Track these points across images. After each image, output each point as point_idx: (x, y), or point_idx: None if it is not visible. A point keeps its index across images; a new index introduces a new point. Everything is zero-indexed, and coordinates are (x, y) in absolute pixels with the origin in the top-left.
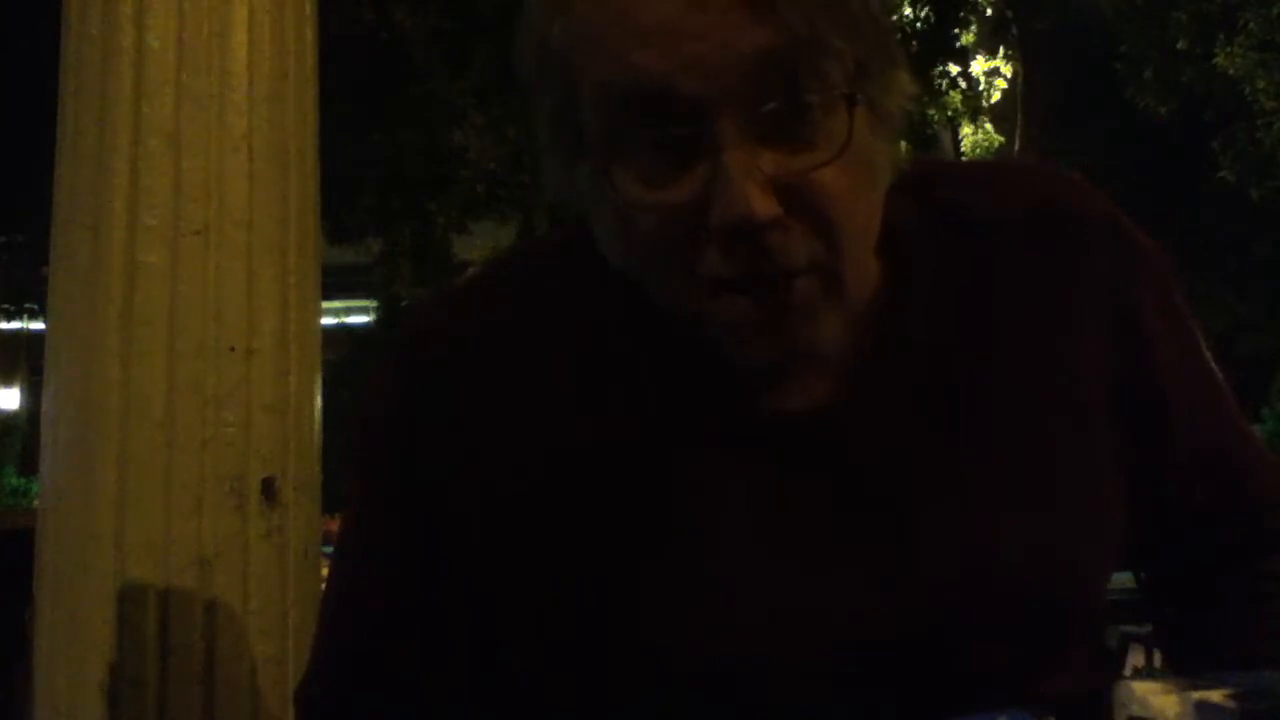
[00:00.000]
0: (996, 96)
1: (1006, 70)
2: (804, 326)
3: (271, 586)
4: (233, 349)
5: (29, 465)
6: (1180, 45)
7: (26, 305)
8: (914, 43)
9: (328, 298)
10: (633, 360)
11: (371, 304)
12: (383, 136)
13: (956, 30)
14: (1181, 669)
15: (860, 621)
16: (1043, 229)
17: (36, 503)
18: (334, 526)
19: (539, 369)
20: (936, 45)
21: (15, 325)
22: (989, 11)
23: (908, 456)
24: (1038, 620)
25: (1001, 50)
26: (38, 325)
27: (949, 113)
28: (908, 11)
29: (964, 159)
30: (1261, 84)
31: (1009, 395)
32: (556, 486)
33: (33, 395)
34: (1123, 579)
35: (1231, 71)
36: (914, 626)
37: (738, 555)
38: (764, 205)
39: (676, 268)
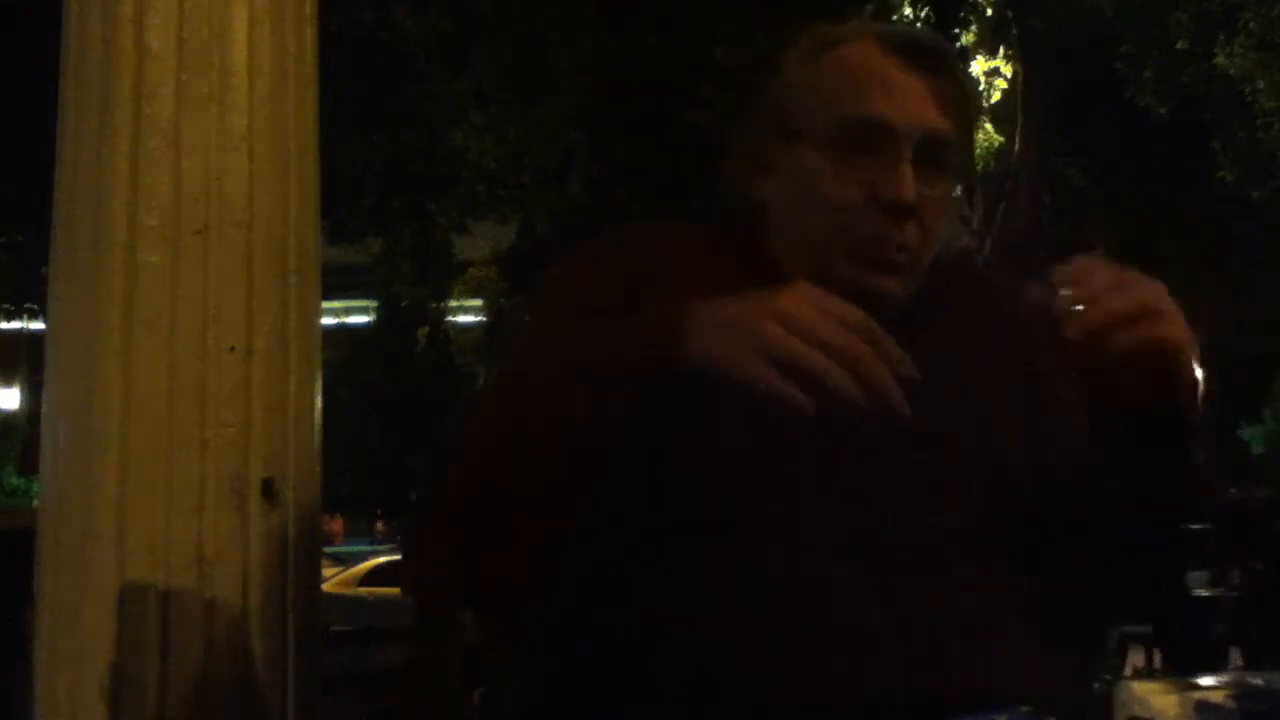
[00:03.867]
0: (996, 96)
1: (1006, 70)
2: (889, 277)
3: (271, 586)
4: (233, 349)
5: (29, 465)
6: (1180, 45)
7: (26, 305)
8: None
9: (328, 298)
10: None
11: (371, 304)
12: (383, 136)
13: (956, 30)
14: (1181, 669)
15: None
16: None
17: (36, 503)
18: (334, 526)
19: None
20: None
21: (15, 325)
22: (989, 11)
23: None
24: (981, 489)
25: (1001, 50)
26: (38, 325)
27: None
28: (908, 11)
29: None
30: (1261, 84)
31: (957, 356)
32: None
33: (33, 395)
34: None
35: (1231, 71)
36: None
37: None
38: (914, 194)
39: (842, 219)
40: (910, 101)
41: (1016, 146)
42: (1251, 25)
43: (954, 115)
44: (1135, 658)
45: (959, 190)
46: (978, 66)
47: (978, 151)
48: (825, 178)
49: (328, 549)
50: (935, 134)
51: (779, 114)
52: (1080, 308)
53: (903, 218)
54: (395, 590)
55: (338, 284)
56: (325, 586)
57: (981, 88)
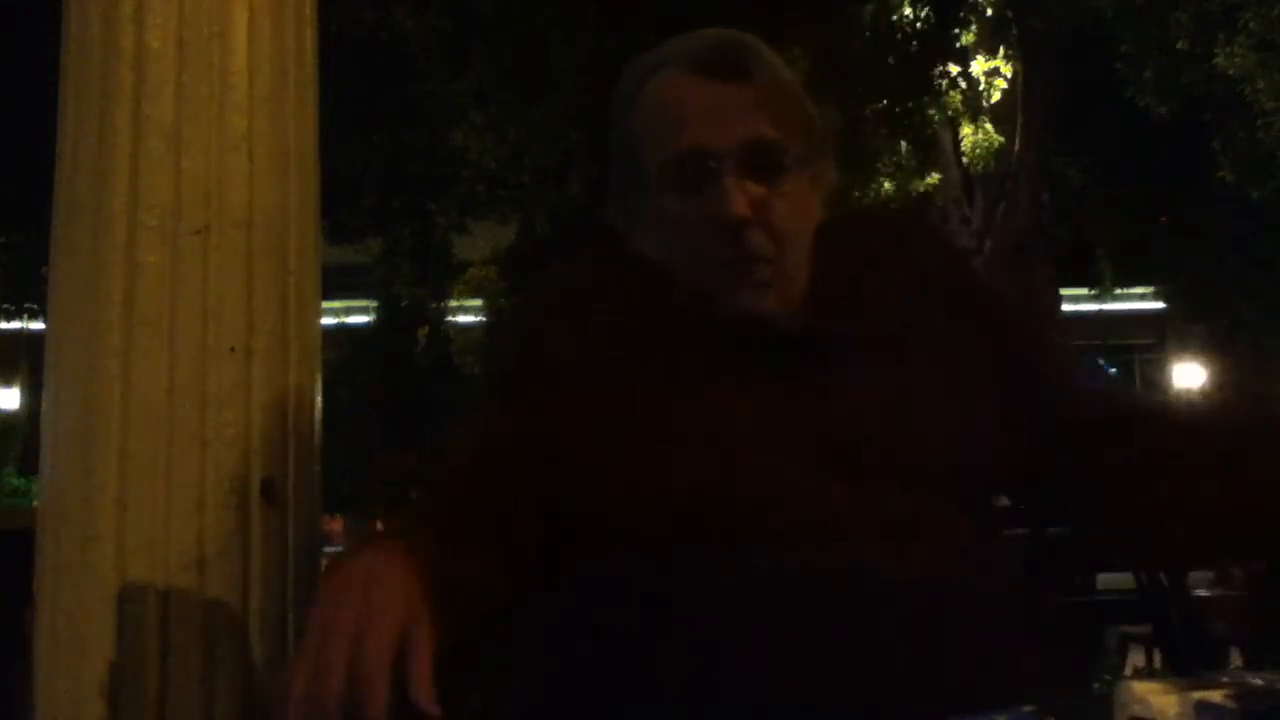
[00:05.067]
0: (996, 96)
1: (1006, 70)
2: (758, 295)
3: (271, 586)
4: (233, 349)
5: (29, 465)
6: (1180, 45)
7: (26, 305)
8: (914, 43)
9: (328, 298)
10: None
11: (371, 304)
12: (383, 136)
13: (956, 30)
14: (1180, 668)
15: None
16: (901, 242)
17: (36, 503)
18: (334, 526)
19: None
20: (936, 45)
21: (15, 325)
22: (989, 11)
23: (832, 370)
24: (950, 474)
25: (1001, 50)
26: (38, 325)
27: (949, 113)
28: (908, 11)
29: (963, 160)
30: (1261, 84)
31: (885, 339)
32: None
33: (33, 395)
34: (1122, 579)
35: (1231, 71)
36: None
37: (720, 419)
38: (743, 208)
39: (697, 251)
40: (719, 118)
41: (1016, 146)
42: (1251, 25)
43: (772, 114)
44: (1135, 658)
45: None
46: (978, 66)
47: (978, 151)
48: (673, 219)
49: (328, 549)
50: (754, 141)
51: (623, 163)
52: None
53: (740, 233)
54: None
55: (338, 284)
56: None
57: (981, 88)
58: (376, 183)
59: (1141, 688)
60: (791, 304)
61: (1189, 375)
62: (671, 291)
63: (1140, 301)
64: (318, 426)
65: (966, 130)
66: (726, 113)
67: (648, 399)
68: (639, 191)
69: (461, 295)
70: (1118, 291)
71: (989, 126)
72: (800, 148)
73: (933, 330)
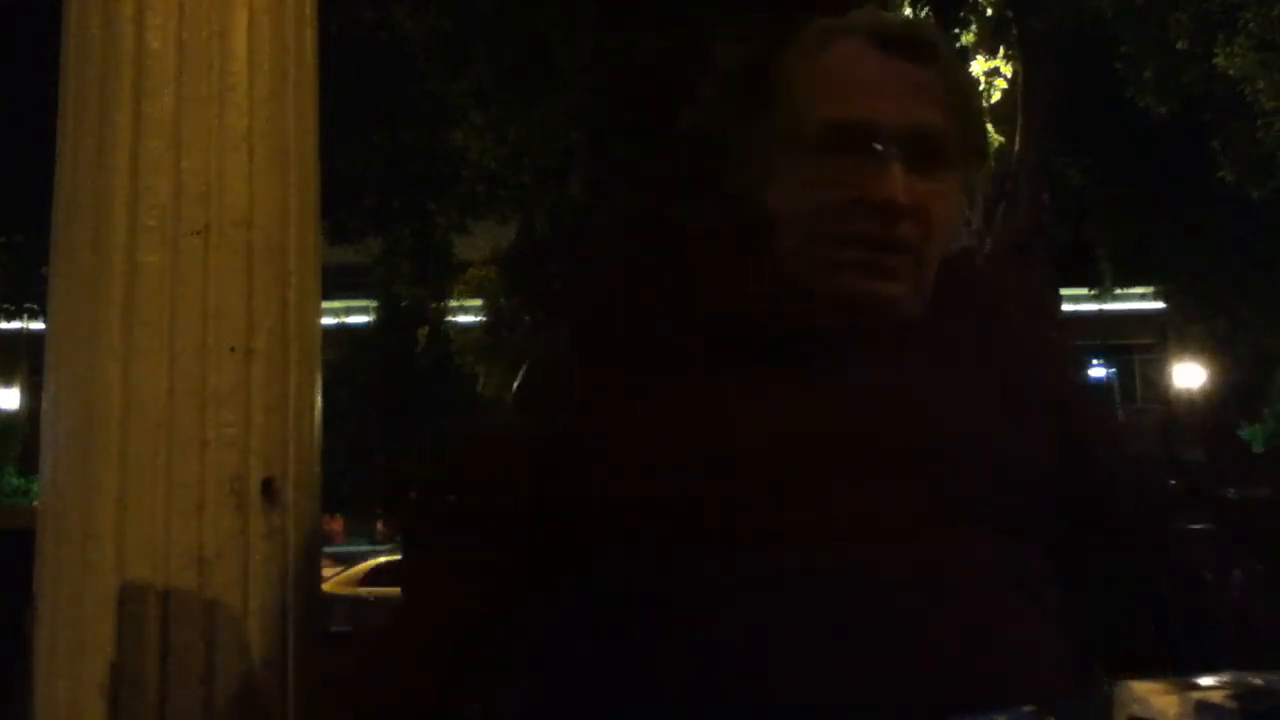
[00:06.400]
0: (996, 96)
1: (1006, 70)
2: (888, 282)
3: (271, 586)
4: (233, 349)
5: (29, 465)
6: (1180, 45)
7: (26, 305)
8: None
9: (328, 298)
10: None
11: (371, 304)
12: (383, 136)
13: (956, 30)
14: (1180, 668)
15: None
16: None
17: (36, 503)
18: (334, 526)
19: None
20: None
21: (15, 325)
22: (989, 11)
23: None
24: (952, 476)
25: (1001, 50)
26: (38, 325)
27: None
28: (908, 11)
29: None
30: (1261, 84)
31: (892, 339)
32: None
33: (33, 395)
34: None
35: (1231, 71)
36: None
37: (721, 418)
38: (904, 194)
39: (827, 222)
40: (895, 98)
41: (1016, 146)
42: (1251, 25)
43: (946, 106)
44: None
45: (971, 179)
46: (978, 66)
47: None
48: (820, 184)
49: (328, 549)
50: (924, 128)
51: (779, 118)
52: None
53: (895, 218)
54: (396, 590)
55: (338, 284)
56: (325, 586)
57: (981, 88)
58: (376, 183)
59: (1141, 688)
60: (921, 297)
61: (1189, 375)
62: (673, 291)
63: (1140, 301)
64: (318, 426)
65: None
66: (903, 91)
67: (649, 399)
68: (783, 147)
69: (461, 295)
70: (1118, 291)
71: (989, 126)
72: (962, 144)
73: (950, 340)
